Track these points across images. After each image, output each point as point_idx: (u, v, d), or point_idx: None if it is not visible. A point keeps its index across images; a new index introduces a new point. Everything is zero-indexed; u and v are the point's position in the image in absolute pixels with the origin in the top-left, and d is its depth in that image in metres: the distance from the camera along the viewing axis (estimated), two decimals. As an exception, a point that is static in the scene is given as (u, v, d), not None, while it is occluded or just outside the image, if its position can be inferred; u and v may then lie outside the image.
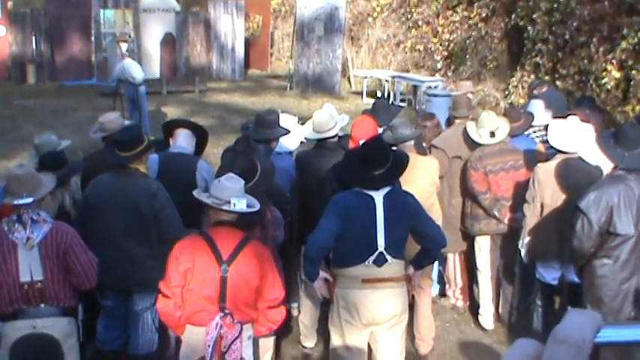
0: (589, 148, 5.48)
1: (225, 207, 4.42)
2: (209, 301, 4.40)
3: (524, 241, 6.29)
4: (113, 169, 5.45)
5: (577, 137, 6.03)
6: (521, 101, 15.05)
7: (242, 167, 5.09)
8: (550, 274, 6.35)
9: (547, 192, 6.08)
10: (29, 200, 4.50)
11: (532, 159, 6.72)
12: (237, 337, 4.39)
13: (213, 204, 4.43)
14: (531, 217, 6.21)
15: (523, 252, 6.35)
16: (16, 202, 4.50)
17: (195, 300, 4.40)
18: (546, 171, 6.10)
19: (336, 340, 5.11)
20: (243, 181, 4.66)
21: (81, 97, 18.22)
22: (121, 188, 5.31)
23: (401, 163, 5.04)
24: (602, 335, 0.75)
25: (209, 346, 4.33)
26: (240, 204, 4.46)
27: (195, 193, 4.67)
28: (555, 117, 6.62)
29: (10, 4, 21.14)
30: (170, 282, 4.41)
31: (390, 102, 16.54)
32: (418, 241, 5.07)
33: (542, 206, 6.15)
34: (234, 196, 4.45)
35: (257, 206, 4.60)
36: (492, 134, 6.73)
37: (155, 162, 6.00)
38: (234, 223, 4.51)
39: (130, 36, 20.34)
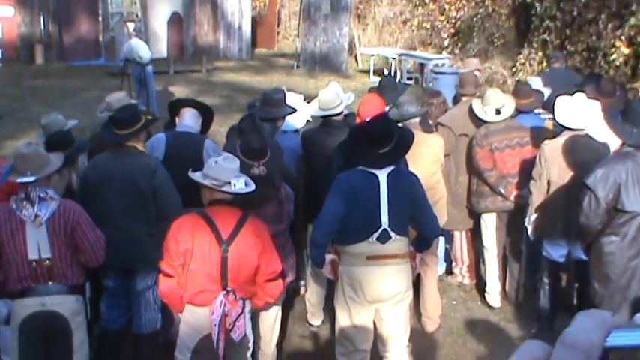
0: (596, 125, 5.46)
1: (225, 188, 4.38)
2: (211, 281, 4.37)
3: (531, 218, 6.27)
4: (112, 147, 5.45)
5: (584, 114, 6.00)
6: (528, 78, 14.98)
7: (255, 146, 5.09)
8: (557, 252, 6.34)
9: (554, 169, 6.06)
10: (32, 179, 4.50)
11: (538, 136, 6.70)
12: (240, 314, 4.41)
13: (213, 186, 4.38)
14: (538, 195, 6.20)
15: (529, 229, 6.34)
16: (19, 180, 4.51)
17: (196, 280, 4.38)
18: (553, 148, 6.08)
19: (342, 318, 5.10)
20: (238, 161, 4.61)
21: (89, 77, 18.24)
22: (120, 167, 5.30)
23: (405, 141, 5.00)
24: (611, 339, 0.74)
25: (215, 325, 4.32)
26: (240, 183, 4.41)
27: (190, 174, 4.52)
28: (558, 94, 6.55)
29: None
30: (173, 261, 4.38)
31: (397, 80, 16.47)
32: (413, 227, 5.06)
33: (548, 183, 6.13)
34: (232, 176, 4.41)
35: (253, 186, 4.54)
36: (498, 112, 6.71)
37: (162, 141, 6.01)
38: (231, 201, 4.48)
39: (137, 16, 20.35)
